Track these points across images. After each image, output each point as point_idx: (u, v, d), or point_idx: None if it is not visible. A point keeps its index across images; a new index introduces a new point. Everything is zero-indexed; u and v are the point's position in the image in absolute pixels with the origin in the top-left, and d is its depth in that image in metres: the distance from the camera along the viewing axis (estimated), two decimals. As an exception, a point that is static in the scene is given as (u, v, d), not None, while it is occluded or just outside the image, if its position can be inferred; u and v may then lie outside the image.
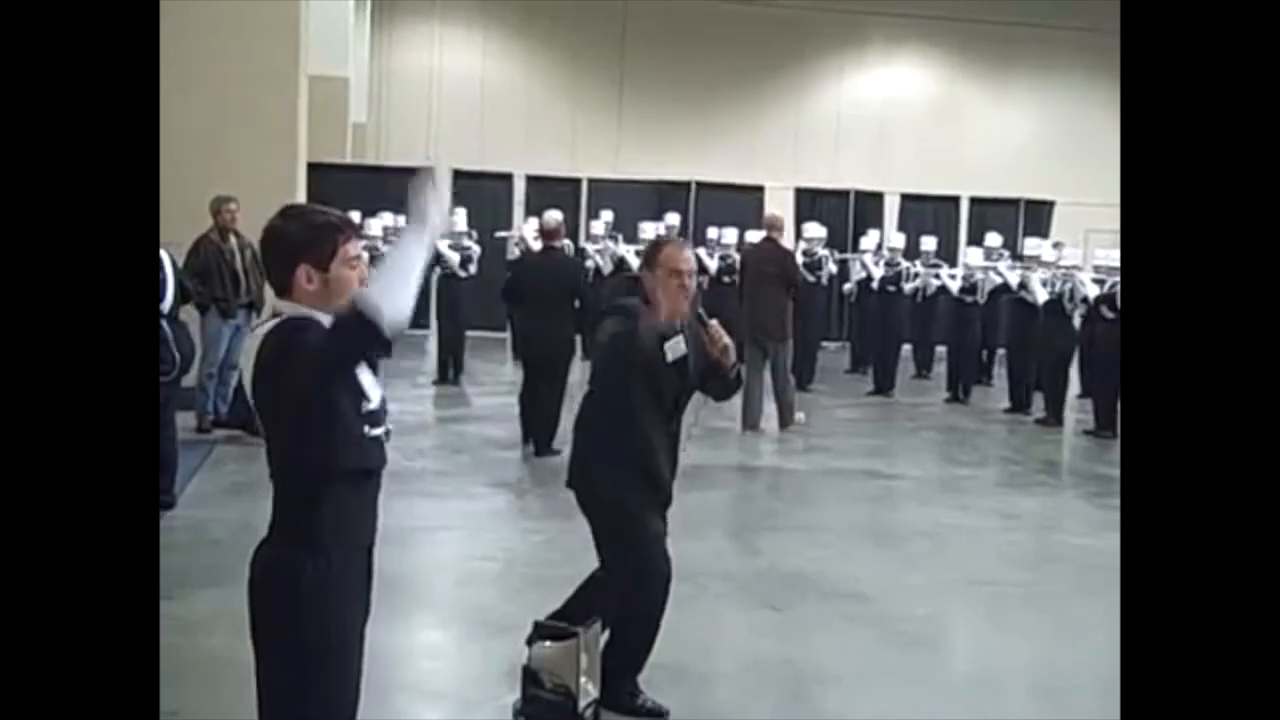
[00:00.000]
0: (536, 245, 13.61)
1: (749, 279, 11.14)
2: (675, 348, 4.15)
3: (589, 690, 4.15)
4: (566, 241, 12.99)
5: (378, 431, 2.82)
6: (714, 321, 4.29)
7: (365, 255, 10.55)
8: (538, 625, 4.32)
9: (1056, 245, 13.77)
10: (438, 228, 2.63)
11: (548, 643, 4.11)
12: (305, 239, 2.76)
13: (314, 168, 12.45)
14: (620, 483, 4.24)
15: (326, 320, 2.73)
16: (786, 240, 14.17)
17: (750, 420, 10.73)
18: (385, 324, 2.47)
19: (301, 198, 10.59)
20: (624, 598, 4.34)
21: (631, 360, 4.12)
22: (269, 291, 2.98)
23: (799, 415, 10.91)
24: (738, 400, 11.71)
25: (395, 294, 2.51)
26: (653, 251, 4.28)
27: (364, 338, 2.52)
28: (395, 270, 2.57)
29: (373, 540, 2.90)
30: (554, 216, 10.02)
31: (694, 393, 4.43)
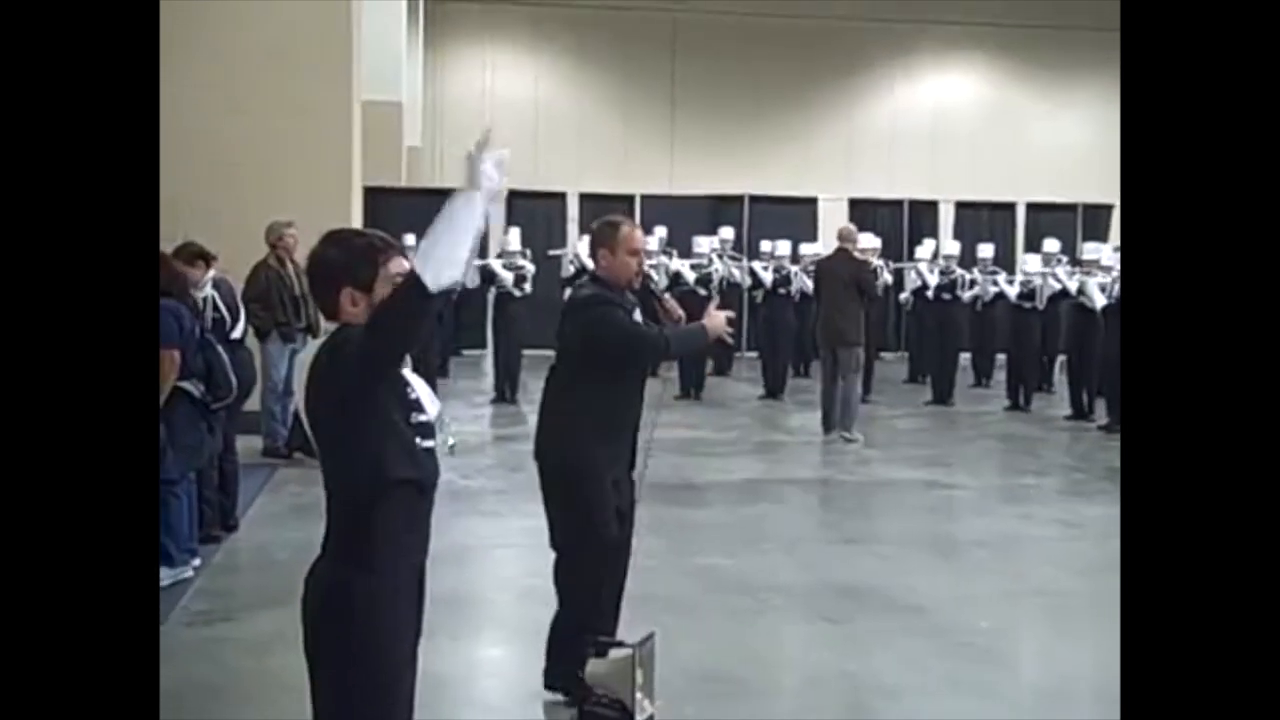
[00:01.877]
0: (591, 263, 13.72)
1: (824, 288, 11.54)
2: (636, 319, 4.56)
3: (644, 705, 4.15)
4: None
5: (430, 444, 2.83)
6: (666, 295, 4.98)
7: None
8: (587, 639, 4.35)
9: (1117, 250, 13.58)
10: (490, 191, 2.62)
11: (602, 657, 4.11)
12: (346, 263, 2.80)
13: (370, 192, 12.61)
14: (590, 448, 4.45)
15: None
16: (823, 248, 14.48)
17: (829, 423, 10.97)
18: (429, 286, 2.49)
19: (357, 222, 10.73)
20: (568, 564, 4.61)
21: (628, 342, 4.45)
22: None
23: (858, 435, 10.88)
24: (793, 413, 11.68)
25: (440, 259, 2.52)
26: (611, 232, 4.56)
27: (411, 303, 2.53)
28: (440, 236, 2.56)
29: (424, 558, 2.93)
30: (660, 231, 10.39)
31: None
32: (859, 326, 11.05)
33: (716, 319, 4.55)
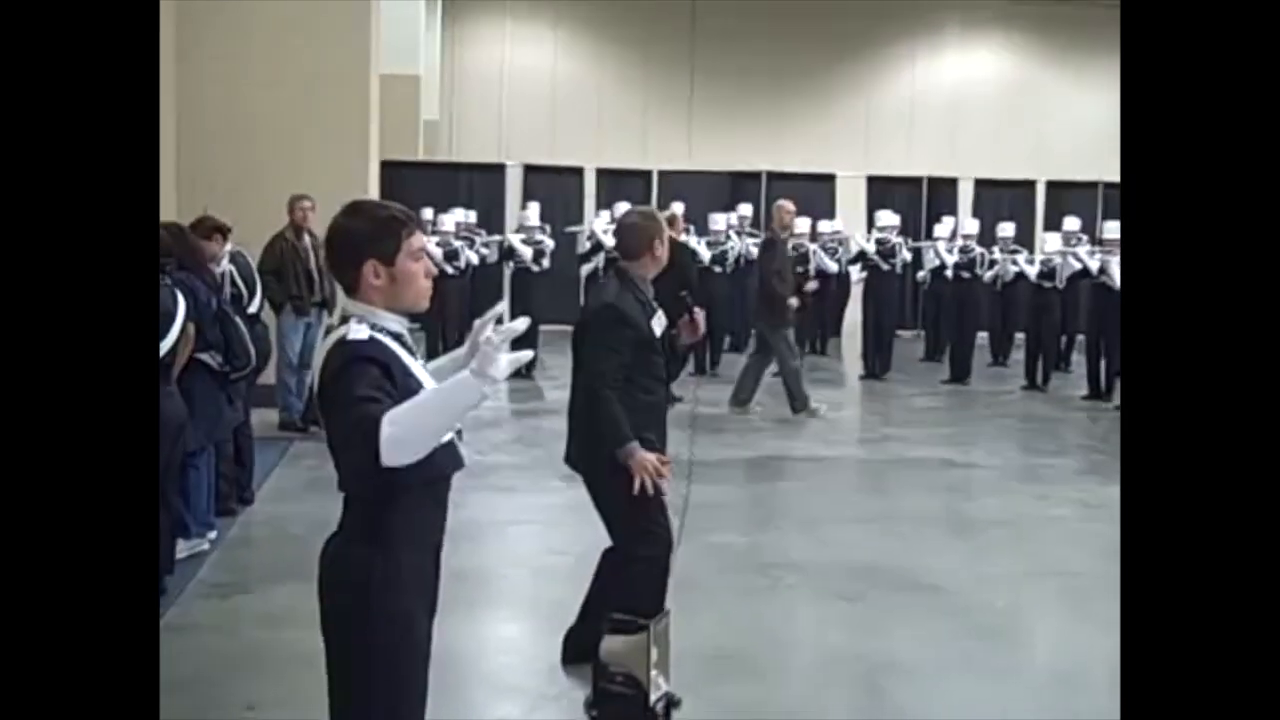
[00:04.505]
0: (608, 239, 13.70)
1: None
2: (659, 321, 4.54)
3: (660, 683, 4.14)
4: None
5: (447, 437, 2.75)
6: (699, 311, 4.85)
7: (439, 251, 10.63)
8: (591, 614, 4.39)
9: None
10: (497, 380, 2.51)
11: (618, 636, 4.11)
12: (370, 234, 2.75)
13: (387, 165, 12.58)
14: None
15: (389, 322, 2.75)
16: (842, 225, 15.04)
17: (794, 403, 10.95)
18: (383, 463, 2.47)
19: (374, 195, 10.71)
20: (628, 561, 4.53)
21: (638, 341, 4.43)
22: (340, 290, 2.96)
23: (756, 409, 10.96)
24: (808, 390, 11.62)
25: (417, 438, 2.50)
26: (670, 223, 4.57)
27: (364, 463, 2.51)
28: (431, 414, 2.53)
29: (441, 537, 2.91)
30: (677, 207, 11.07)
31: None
32: (767, 308, 10.99)
33: (641, 460, 4.33)
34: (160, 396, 5.01)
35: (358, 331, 2.67)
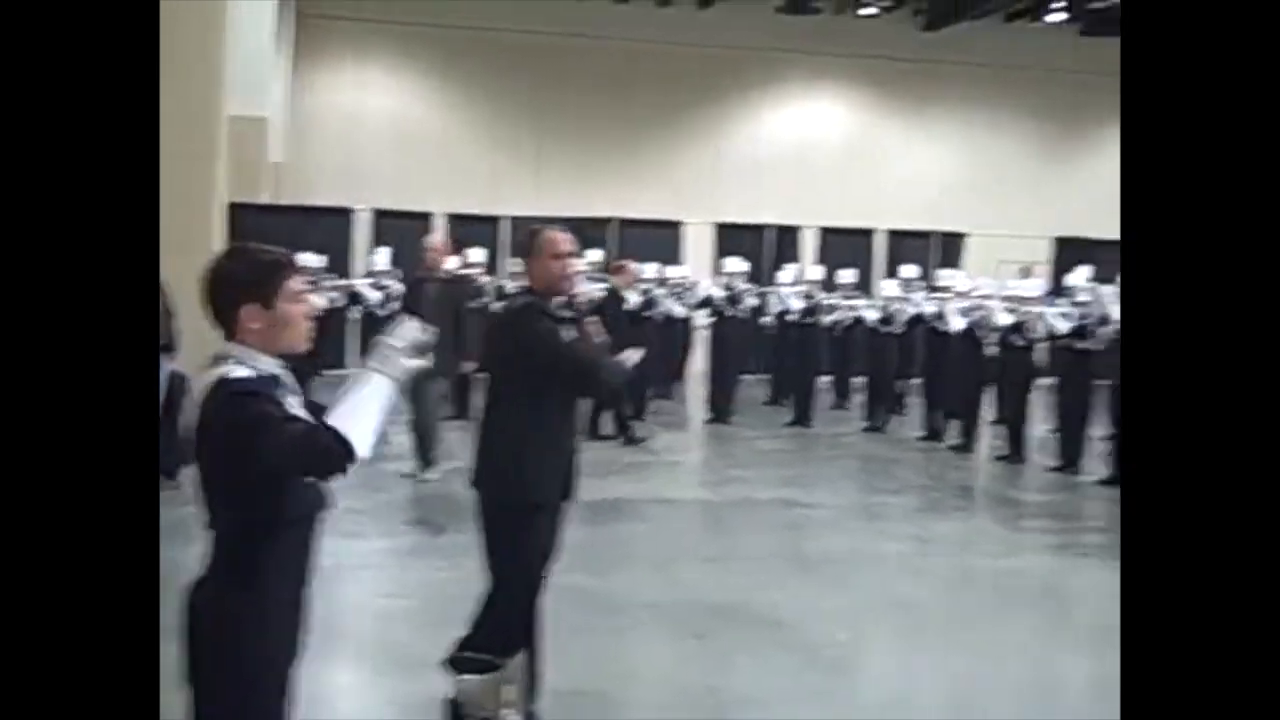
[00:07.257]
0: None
1: None
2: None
3: (513, 721, 4.19)
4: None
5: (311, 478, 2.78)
6: (590, 319, 4.70)
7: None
8: (454, 661, 4.37)
9: (969, 277, 14.11)
10: (405, 374, 2.67)
11: (471, 676, 4.14)
12: (249, 277, 2.75)
13: (236, 208, 12.37)
14: (532, 479, 4.43)
15: (268, 365, 2.75)
16: (689, 271, 14.57)
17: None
18: (356, 457, 2.54)
19: (219, 238, 10.53)
20: (500, 601, 4.48)
21: (553, 361, 4.33)
22: (193, 333, 2.96)
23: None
24: (658, 434, 11.75)
25: (365, 426, 2.57)
26: (532, 240, 4.50)
27: (333, 465, 2.57)
28: (361, 405, 2.60)
29: (308, 580, 2.92)
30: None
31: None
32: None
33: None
34: None
35: (239, 370, 2.68)
